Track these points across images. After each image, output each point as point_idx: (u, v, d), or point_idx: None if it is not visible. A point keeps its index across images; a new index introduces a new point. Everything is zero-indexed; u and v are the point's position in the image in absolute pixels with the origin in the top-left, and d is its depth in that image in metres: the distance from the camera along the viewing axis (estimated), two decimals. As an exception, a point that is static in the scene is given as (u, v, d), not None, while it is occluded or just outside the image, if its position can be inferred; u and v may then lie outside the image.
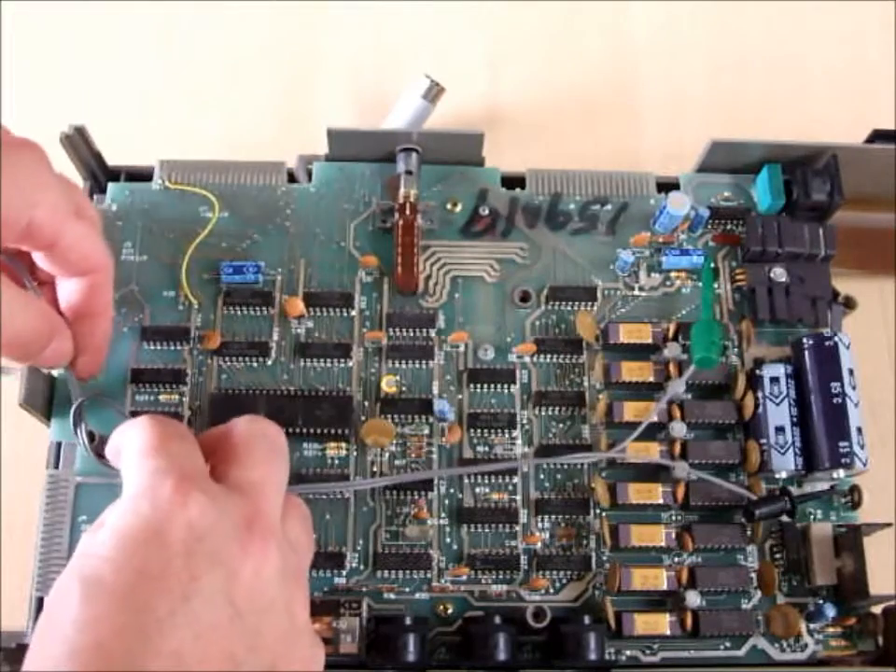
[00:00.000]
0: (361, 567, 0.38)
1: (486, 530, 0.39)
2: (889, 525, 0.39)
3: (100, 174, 0.43)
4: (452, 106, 0.48)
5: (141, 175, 0.43)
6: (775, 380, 0.39)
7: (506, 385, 0.41)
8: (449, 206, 0.43)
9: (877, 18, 0.54)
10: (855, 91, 0.52)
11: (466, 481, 0.39)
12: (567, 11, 0.53)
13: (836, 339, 0.39)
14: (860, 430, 0.38)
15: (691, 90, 0.52)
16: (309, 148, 0.44)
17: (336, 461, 0.39)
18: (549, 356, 0.41)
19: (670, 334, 0.41)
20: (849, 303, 0.42)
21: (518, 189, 0.44)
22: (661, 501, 0.38)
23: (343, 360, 0.41)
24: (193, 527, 0.27)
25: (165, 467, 0.28)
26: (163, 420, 0.31)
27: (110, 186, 0.43)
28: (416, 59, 0.51)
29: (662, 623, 0.37)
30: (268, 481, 0.30)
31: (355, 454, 0.40)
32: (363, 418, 0.40)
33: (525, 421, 0.40)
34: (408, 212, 0.41)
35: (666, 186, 0.44)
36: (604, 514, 0.39)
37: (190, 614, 0.26)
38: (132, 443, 0.30)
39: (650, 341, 0.40)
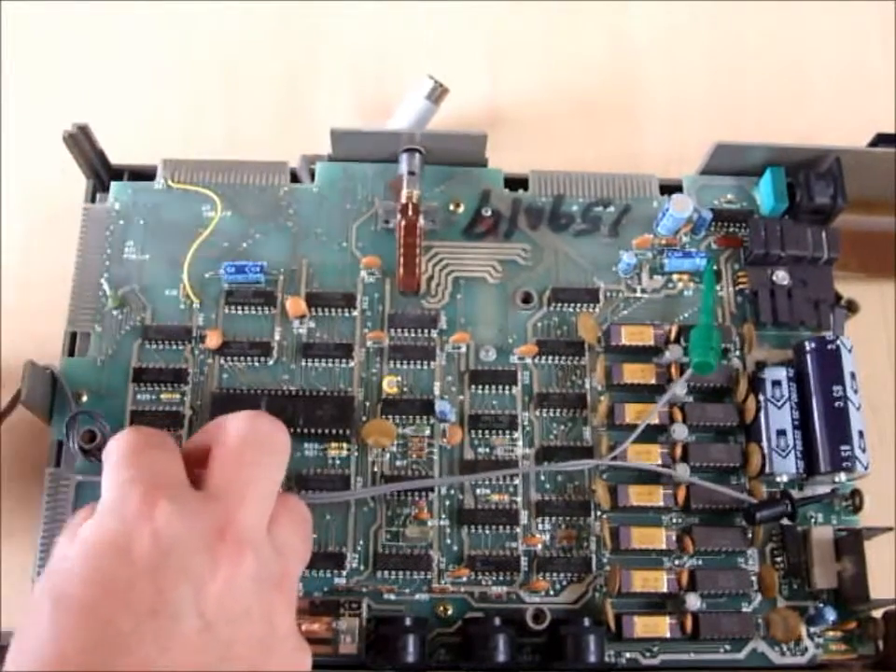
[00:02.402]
0: (361, 567, 0.38)
1: (487, 531, 0.39)
2: (889, 529, 0.39)
3: (103, 172, 0.43)
4: (454, 107, 0.48)
5: (144, 175, 0.44)
6: (776, 383, 0.39)
7: (507, 387, 0.41)
8: (452, 207, 0.43)
9: (878, 19, 0.54)
10: (856, 93, 0.52)
11: (466, 482, 0.39)
12: (568, 12, 0.53)
13: (838, 342, 0.39)
14: (861, 434, 0.38)
15: (692, 91, 0.52)
16: (311, 149, 0.44)
17: (337, 461, 0.39)
18: (550, 357, 0.41)
19: (672, 336, 0.41)
20: (852, 307, 0.42)
21: (521, 191, 0.44)
22: (662, 504, 0.38)
23: (344, 361, 0.41)
24: (159, 540, 0.27)
25: (135, 477, 0.28)
26: (142, 431, 0.31)
27: (113, 185, 0.43)
28: (418, 59, 0.51)
29: (662, 625, 0.37)
30: (252, 484, 0.30)
31: (356, 454, 0.40)
32: (364, 419, 0.40)
33: (526, 422, 0.40)
34: (410, 212, 0.41)
35: (669, 188, 0.44)
36: (604, 516, 0.39)
37: (157, 629, 0.26)
38: (108, 456, 0.30)
39: (651, 343, 0.40)
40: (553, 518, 0.39)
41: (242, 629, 0.27)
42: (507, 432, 0.40)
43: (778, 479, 0.39)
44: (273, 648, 0.28)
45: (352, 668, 0.36)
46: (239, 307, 0.41)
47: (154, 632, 0.26)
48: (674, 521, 0.39)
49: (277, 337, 0.41)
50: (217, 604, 0.27)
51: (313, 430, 0.39)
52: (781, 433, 0.39)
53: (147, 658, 0.25)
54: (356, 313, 0.42)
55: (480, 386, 0.41)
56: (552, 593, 0.38)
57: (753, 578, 0.39)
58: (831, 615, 0.38)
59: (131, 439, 0.30)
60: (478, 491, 0.39)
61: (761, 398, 0.40)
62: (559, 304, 0.42)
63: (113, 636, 0.26)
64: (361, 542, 0.39)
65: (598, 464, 0.39)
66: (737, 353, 0.42)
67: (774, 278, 0.42)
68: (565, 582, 0.39)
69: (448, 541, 0.39)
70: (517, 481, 0.39)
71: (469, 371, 0.41)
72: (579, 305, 0.42)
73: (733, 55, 0.53)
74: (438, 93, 0.47)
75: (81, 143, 0.41)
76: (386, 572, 0.38)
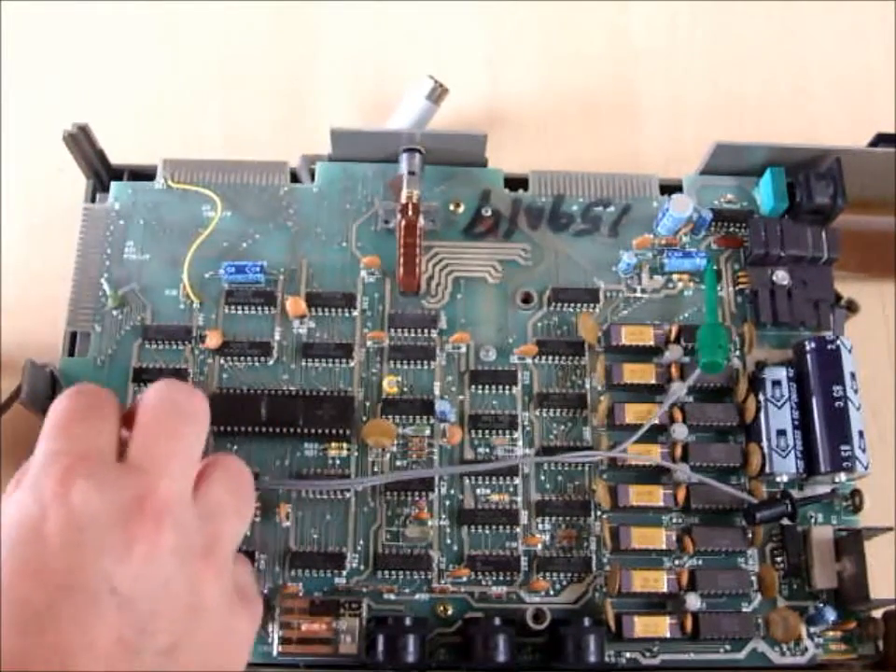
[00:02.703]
0: (361, 567, 0.38)
1: (487, 531, 0.39)
2: (889, 529, 0.39)
3: (103, 172, 0.43)
4: (453, 107, 0.48)
5: (144, 174, 0.44)
6: (776, 383, 0.39)
7: (507, 387, 0.41)
8: (452, 207, 0.43)
9: (878, 19, 0.54)
10: (856, 93, 0.52)
11: (466, 482, 0.39)
12: (568, 12, 0.53)
13: (838, 342, 0.39)
14: (861, 434, 0.38)
15: (692, 91, 0.52)
16: (311, 149, 0.44)
17: (337, 461, 0.39)
18: (550, 357, 0.41)
19: (672, 336, 0.41)
20: (852, 307, 0.42)
21: (521, 191, 0.44)
22: (662, 504, 0.38)
23: (344, 360, 0.41)
24: (73, 518, 0.27)
25: (59, 450, 0.29)
26: (81, 394, 0.31)
27: (113, 184, 0.43)
28: (418, 59, 0.51)
29: (662, 625, 0.37)
30: (170, 453, 0.30)
31: (356, 454, 0.40)
32: (364, 419, 0.40)
33: (526, 422, 0.40)
34: (410, 212, 0.41)
35: (669, 188, 0.44)
36: (605, 516, 0.39)
37: (72, 606, 0.26)
38: (46, 419, 0.30)
39: (651, 343, 0.40)
40: (553, 518, 0.39)
41: (162, 602, 0.27)
42: (507, 432, 0.40)
43: (778, 479, 0.39)
44: (201, 618, 0.28)
45: (352, 668, 0.36)
46: (239, 307, 0.41)
47: (70, 609, 0.26)
48: (674, 521, 0.39)
49: (277, 337, 0.41)
50: (133, 578, 0.27)
51: (313, 430, 0.39)
52: (781, 433, 0.39)
53: (63, 636, 0.26)
54: (356, 313, 0.42)
55: (480, 386, 0.41)
56: (552, 593, 0.38)
57: (753, 578, 0.39)
58: (831, 615, 0.38)
59: (67, 406, 0.30)
60: (478, 491, 0.39)
61: (761, 398, 0.40)
62: (559, 304, 0.42)
63: (28, 615, 0.26)
64: (361, 542, 0.39)
65: (602, 456, 0.39)
66: (737, 353, 0.42)
67: (774, 278, 0.42)
68: (565, 582, 0.39)
69: (448, 541, 0.39)
70: (517, 480, 0.39)
71: (469, 370, 0.41)
72: (579, 305, 0.42)
73: (733, 55, 0.53)
74: (438, 93, 0.47)
75: (81, 143, 0.41)
76: (386, 572, 0.38)
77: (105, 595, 0.26)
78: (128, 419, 0.31)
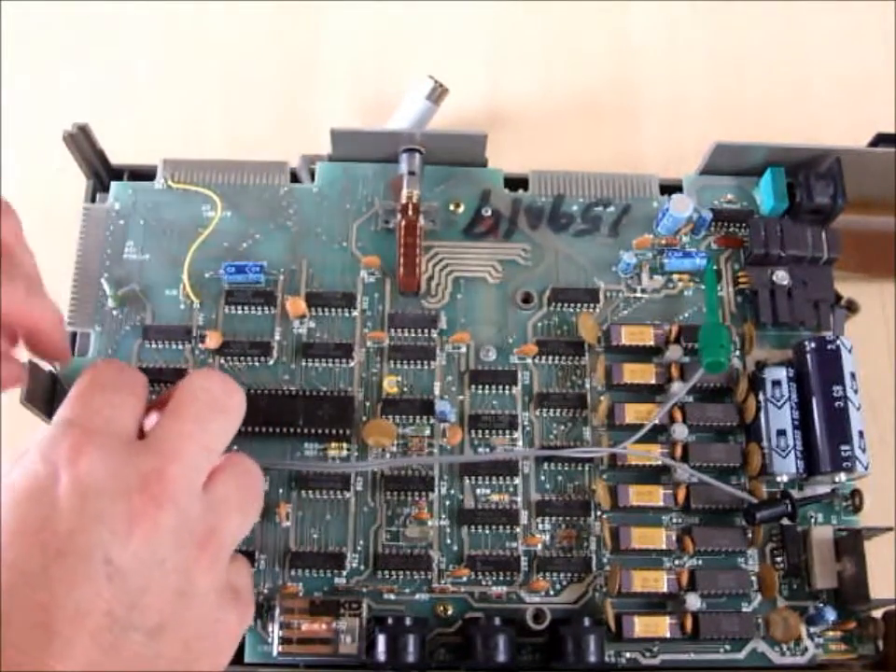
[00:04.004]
0: (361, 567, 0.38)
1: (487, 531, 0.39)
2: (889, 529, 0.39)
3: (103, 172, 0.43)
4: (453, 107, 0.48)
5: (144, 174, 0.44)
6: (776, 383, 0.39)
7: (507, 387, 0.41)
8: (452, 207, 0.43)
9: (878, 19, 0.54)
10: (856, 93, 0.52)
11: (466, 482, 0.39)
12: (568, 12, 0.53)
13: (838, 342, 0.39)
14: (861, 434, 0.38)
15: (692, 91, 0.52)
16: (311, 149, 0.44)
17: (337, 461, 0.39)
18: (550, 357, 0.41)
19: (672, 336, 0.41)
20: (852, 307, 0.42)
21: (521, 191, 0.44)
22: (662, 504, 0.38)
23: (344, 361, 0.41)
24: (79, 484, 0.27)
25: (75, 420, 0.29)
26: (112, 367, 0.31)
27: (113, 185, 0.43)
28: (418, 59, 0.51)
29: (662, 625, 0.37)
30: (191, 438, 0.30)
31: (356, 454, 0.40)
32: (364, 419, 0.40)
33: (526, 422, 0.40)
34: (410, 212, 0.41)
35: (669, 188, 0.44)
36: (605, 516, 0.39)
37: (65, 570, 0.26)
38: (75, 383, 0.30)
39: (651, 343, 0.40)
40: (553, 518, 0.39)
41: (154, 580, 0.28)
42: (507, 432, 0.40)
43: (778, 479, 0.39)
44: (191, 602, 0.29)
45: (352, 668, 0.36)
46: (239, 307, 0.41)
47: (62, 573, 0.26)
48: (674, 521, 0.39)
49: (277, 337, 0.41)
50: (129, 552, 0.27)
51: (313, 430, 0.39)
52: (781, 433, 0.39)
53: (51, 598, 0.26)
54: (356, 313, 0.42)
55: (480, 386, 0.41)
56: (552, 593, 0.38)
57: (753, 578, 0.39)
58: (831, 615, 0.38)
59: (92, 377, 0.31)
60: (478, 491, 0.39)
61: (761, 397, 0.40)
62: (559, 304, 0.42)
63: (18, 574, 0.26)
64: (361, 542, 0.39)
65: (603, 453, 0.39)
66: (737, 353, 0.42)
67: (774, 278, 0.42)
68: (565, 582, 0.39)
69: (448, 541, 0.39)
70: (517, 480, 0.39)
71: (469, 371, 0.41)
72: (579, 305, 0.42)
73: (733, 55, 0.53)
74: (438, 93, 0.47)
75: (81, 143, 0.41)
76: (386, 572, 0.38)
77: (99, 564, 0.27)
78: (164, 403, 0.31)
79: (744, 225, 0.43)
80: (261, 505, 0.33)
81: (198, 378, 0.32)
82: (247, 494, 0.32)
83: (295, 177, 0.44)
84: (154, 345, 0.41)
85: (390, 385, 0.40)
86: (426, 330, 0.41)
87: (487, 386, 0.41)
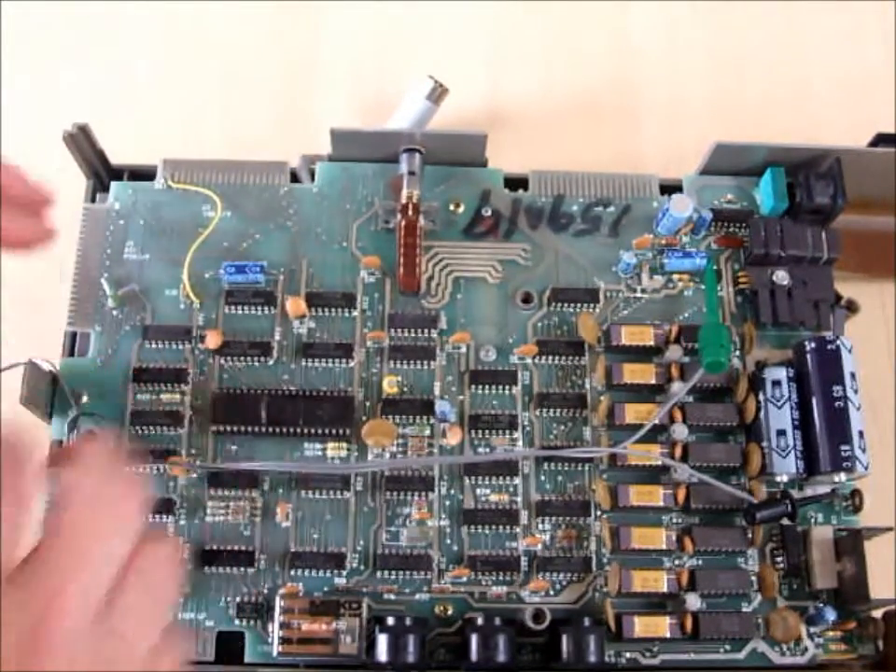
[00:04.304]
0: (361, 567, 0.38)
1: (487, 531, 0.39)
2: (889, 529, 0.39)
3: (103, 172, 0.43)
4: (453, 107, 0.48)
5: (144, 174, 0.44)
6: (776, 383, 0.39)
7: (507, 387, 0.41)
8: (452, 207, 0.43)
9: (878, 19, 0.54)
10: (856, 93, 0.52)
11: (466, 482, 0.39)
12: (568, 12, 0.53)
13: (838, 342, 0.39)
14: (861, 434, 0.38)
15: (692, 91, 0.52)
16: (311, 149, 0.44)
17: (337, 461, 0.39)
18: (550, 357, 0.41)
19: (672, 336, 0.41)
20: (852, 307, 0.42)
21: (521, 191, 0.44)
22: (662, 504, 0.38)
23: (344, 360, 0.41)
24: None
25: None
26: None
27: (113, 185, 0.43)
28: (418, 59, 0.51)
29: (662, 625, 0.37)
30: (80, 563, 0.24)
31: (356, 454, 0.40)
32: (364, 419, 0.40)
33: (526, 422, 0.40)
34: (410, 212, 0.41)
35: (669, 188, 0.44)
36: (605, 516, 0.39)
37: None
38: None
39: (651, 343, 0.40)
40: (553, 518, 0.39)
41: None
42: (507, 432, 0.40)
43: (778, 479, 0.39)
44: None
45: (352, 668, 0.36)
46: (239, 307, 0.41)
47: None
48: (674, 521, 0.39)
49: (277, 337, 0.41)
50: None
51: (313, 430, 0.39)
52: (781, 433, 0.39)
53: None
54: (356, 313, 0.42)
55: (480, 386, 0.41)
56: (552, 593, 0.38)
57: (753, 578, 0.39)
58: (830, 615, 0.38)
59: None
60: (478, 491, 0.39)
61: (761, 397, 0.40)
62: (559, 304, 0.42)
63: None
64: (361, 542, 0.39)
65: (603, 453, 0.39)
66: (737, 353, 0.42)
67: (774, 278, 0.42)
68: (565, 582, 0.39)
69: (448, 541, 0.39)
70: (517, 481, 0.39)
71: (469, 371, 0.41)
72: (579, 305, 0.42)
73: (733, 55, 0.53)
74: (438, 93, 0.47)
75: (81, 143, 0.41)
76: (386, 572, 0.38)
77: None
78: (60, 457, 0.26)
79: (744, 225, 0.43)
80: (178, 594, 0.29)
81: (91, 474, 0.25)
82: (158, 601, 0.26)
83: (295, 177, 0.44)
84: (154, 345, 0.41)
85: (390, 385, 0.40)
86: (426, 330, 0.41)
87: (487, 386, 0.41)
